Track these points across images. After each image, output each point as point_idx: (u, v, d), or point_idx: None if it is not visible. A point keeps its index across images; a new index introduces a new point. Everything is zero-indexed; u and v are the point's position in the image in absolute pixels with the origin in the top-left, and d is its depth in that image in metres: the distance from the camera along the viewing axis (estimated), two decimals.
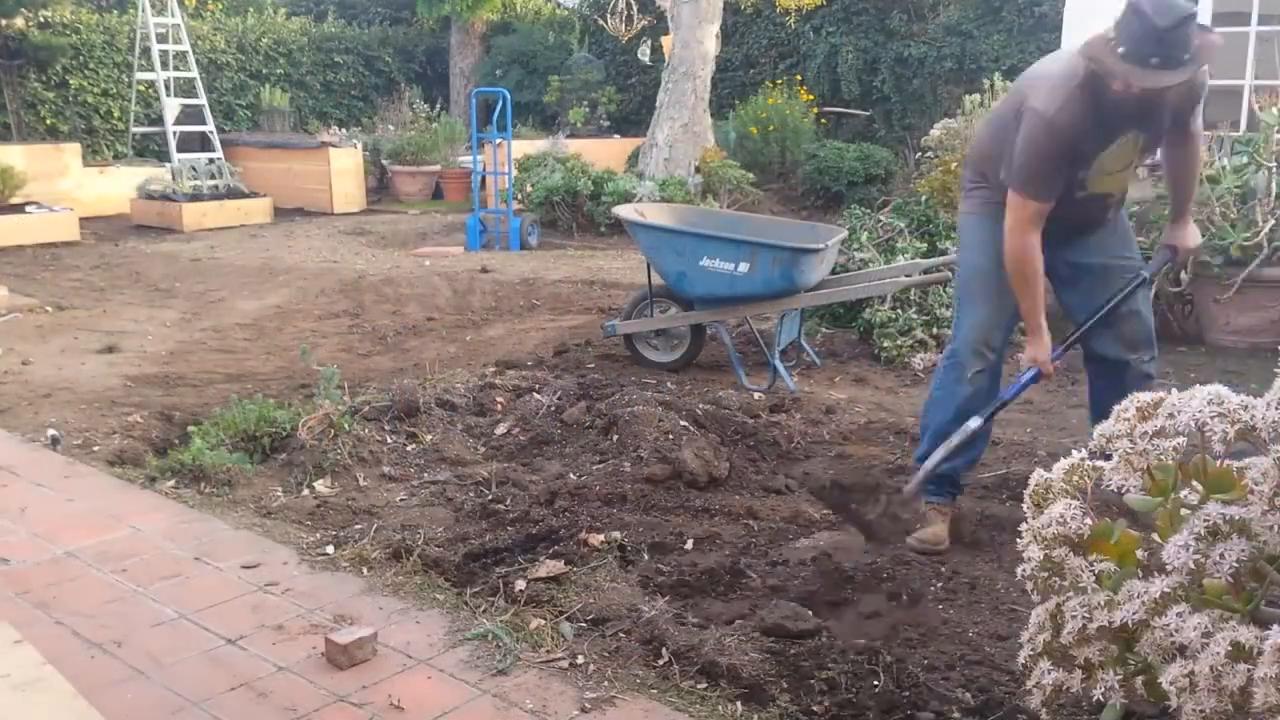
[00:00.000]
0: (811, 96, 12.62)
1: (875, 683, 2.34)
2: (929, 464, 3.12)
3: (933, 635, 2.62)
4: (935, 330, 5.56)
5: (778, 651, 2.46)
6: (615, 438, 3.86)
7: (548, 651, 2.49)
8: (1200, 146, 3.26)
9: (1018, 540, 1.84)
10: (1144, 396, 1.78)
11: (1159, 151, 3.24)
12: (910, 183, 8.42)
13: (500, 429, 4.17)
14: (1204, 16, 9.23)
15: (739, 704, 2.27)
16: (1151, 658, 1.64)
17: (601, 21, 14.91)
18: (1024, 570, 1.81)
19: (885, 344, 5.46)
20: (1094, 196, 3.10)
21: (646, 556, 3.05)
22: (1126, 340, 3.26)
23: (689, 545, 3.13)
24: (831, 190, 11.00)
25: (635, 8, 14.39)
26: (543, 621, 2.62)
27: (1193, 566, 1.58)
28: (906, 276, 5.09)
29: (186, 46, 12.14)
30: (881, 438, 4.23)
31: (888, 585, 2.85)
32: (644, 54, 14.49)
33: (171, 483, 3.66)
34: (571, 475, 3.65)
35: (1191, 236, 3.31)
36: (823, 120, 12.70)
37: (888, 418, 4.48)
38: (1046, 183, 2.97)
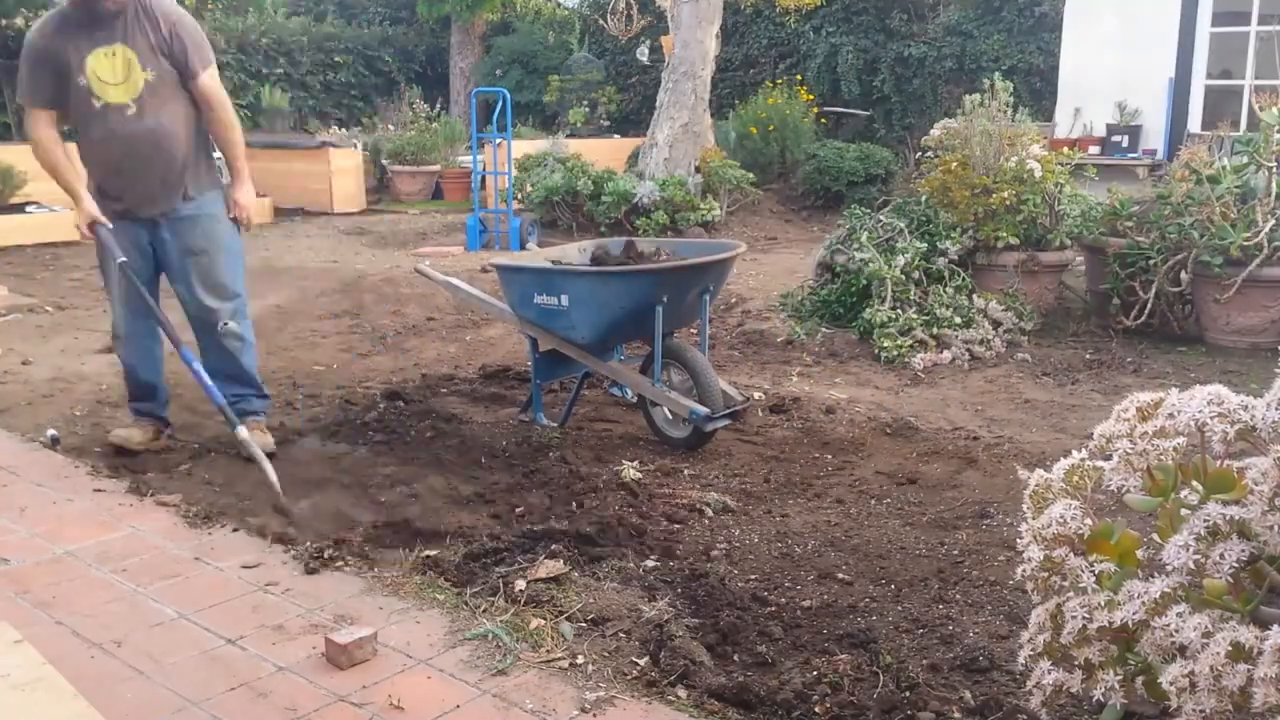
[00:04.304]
0: (811, 96, 12.62)
1: (875, 683, 2.34)
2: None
3: (933, 635, 2.62)
4: (935, 330, 5.57)
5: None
6: None
7: (548, 651, 2.49)
8: (221, 110, 3.85)
9: (1018, 540, 1.84)
10: (1144, 396, 1.78)
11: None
12: (910, 183, 8.42)
13: None
14: (1204, 16, 9.24)
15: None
16: (1151, 658, 1.64)
17: (601, 21, 14.91)
18: (1024, 570, 1.81)
19: (885, 344, 5.46)
20: (112, 108, 3.68)
21: None
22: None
23: None
24: (831, 190, 11.00)
25: (635, 8, 14.38)
26: (543, 621, 2.62)
27: (1193, 566, 1.58)
28: None
29: None
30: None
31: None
32: (644, 54, 14.50)
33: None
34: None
35: (244, 194, 3.95)
36: (823, 120, 12.70)
37: (885, 417, 4.48)
38: (35, 84, 3.71)
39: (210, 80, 3.81)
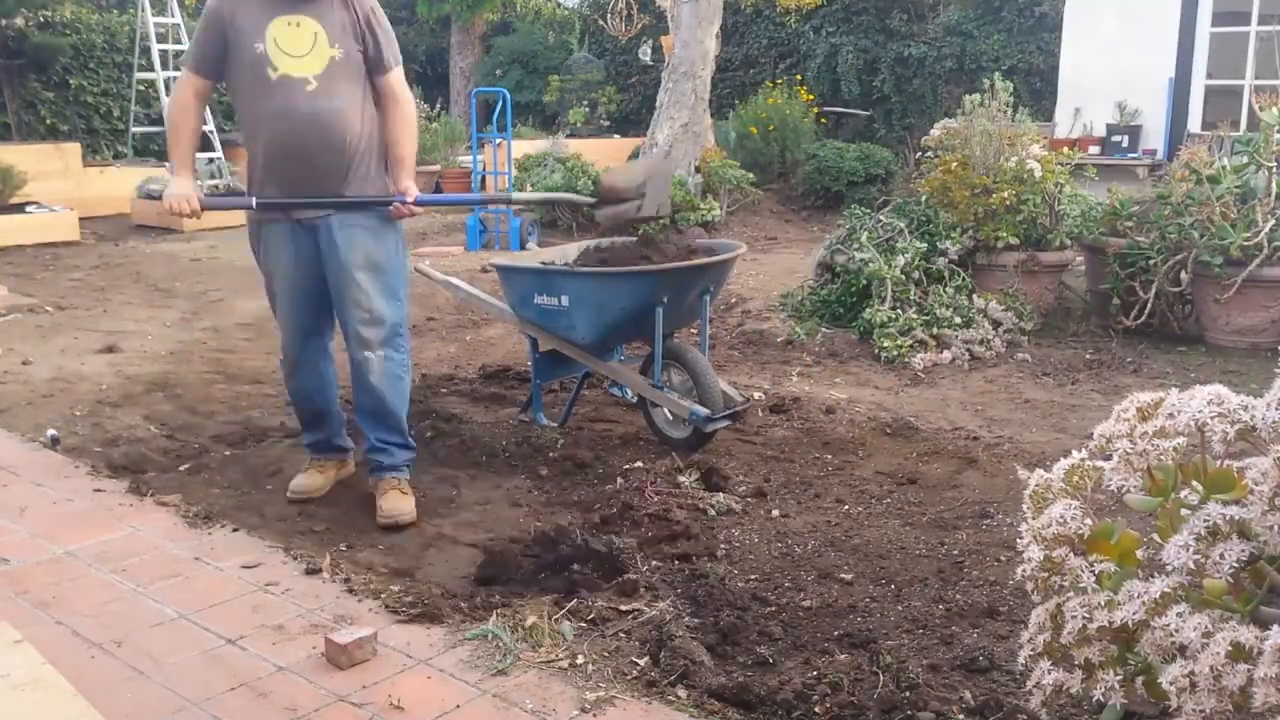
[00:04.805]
0: (811, 96, 12.62)
1: (875, 683, 2.34)
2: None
3: (933, 635, 2.62)
4: (935, 330, 5.57)
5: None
6: None
7: (547, 651, 2.49)
8: (407, 106, 3.53)
9: (1018, 540, 1.84)
10: (1144, 396, 1.78)
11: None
12: (910, 183, 8.42)
13: None
14: (1204, 16, 9.23)
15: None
16: (1151, 658, 1.63)
17: (601, 21, 14.91)
18: (1024, 570, 1.81)
19: (885, 344, 5.46)
20: (291, 81, 3.30)
21: None
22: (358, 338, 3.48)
23: None
24: (831, 190, 11.00)
25: (635, 8, 14.39)
26: (542, 621, 2.62)
27: (1193, 566, 1.58)
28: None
29: (186, 46, 12.14)
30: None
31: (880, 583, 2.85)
32: (644, 54, 14.50)
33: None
34: None
35: (413, 186, 3.50)
36: (823, 120, 12.70)
37: (885, 417, 4.48)
38: (199, 47, 3.40)
39: (399, 78, 3.51)
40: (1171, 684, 1.55)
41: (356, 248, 3.39)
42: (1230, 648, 1.50)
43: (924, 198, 6.37)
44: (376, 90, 3.46)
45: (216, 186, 11.25)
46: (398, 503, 3.40)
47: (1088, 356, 5.55)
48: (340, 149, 3.36)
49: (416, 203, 3.49)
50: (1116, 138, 9.54)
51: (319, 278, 3.45)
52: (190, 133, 3.47)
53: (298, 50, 3.32)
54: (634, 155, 11.72)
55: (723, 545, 3.18)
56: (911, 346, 5.45)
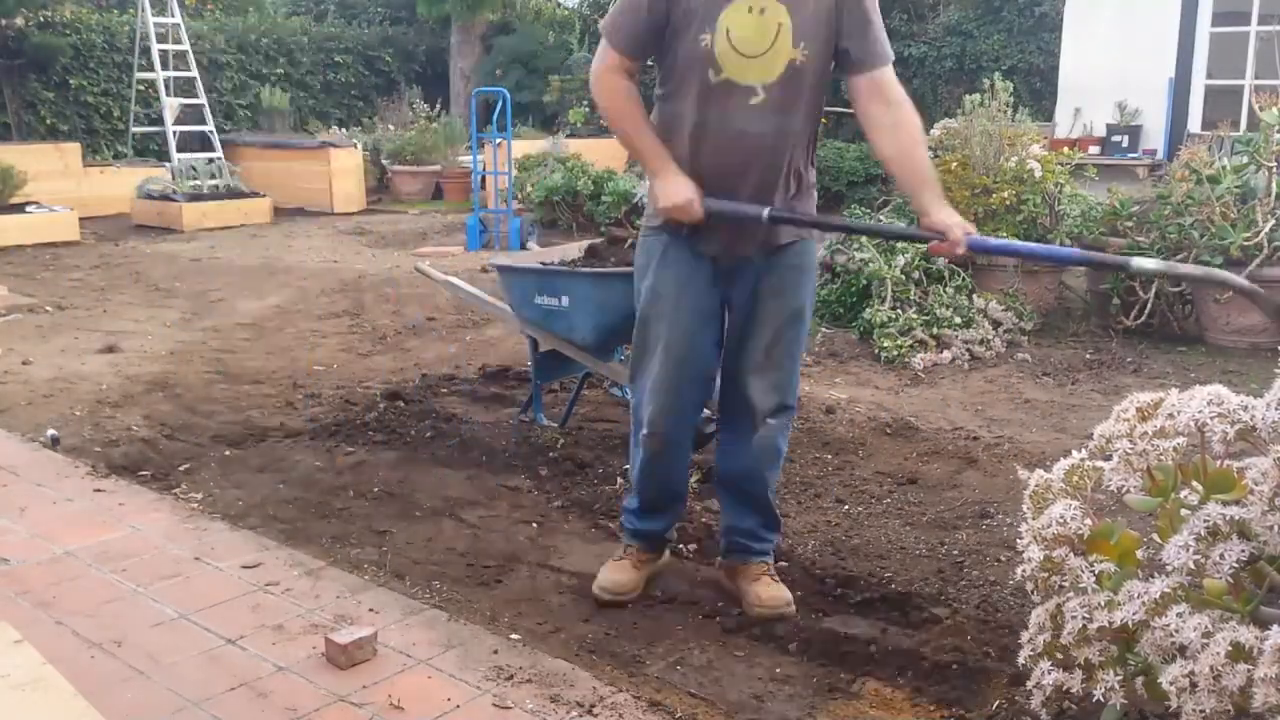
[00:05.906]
0: None
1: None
2: None
3: (932, 636, 2.62)
4: (935, 330, 5.57)
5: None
6: None
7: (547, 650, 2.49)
8: (909, 115, 2.62)
9: (1018, 540, 1.84)
10: (1144, 396, 1.78)
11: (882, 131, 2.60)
12: None
13: None
14: (1204, 16, 9.23)
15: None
16: (1151, 658, 1.64)
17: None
18: (1024, 570, 1.81)
19: (885, 344, 5.46)
20: (737, 88, 2.53)
21: None
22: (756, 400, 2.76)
23: None
24: (831, 190, 10.99)
25: None
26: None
27: (1193, 566, 1.58)
28: None
29: (186, 46, 12.14)
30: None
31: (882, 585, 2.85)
32: None
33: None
34: None
35: (948, 214, 2.56)
36: (823, 120, 12.70)
37: (885, 417, 4.48)
38: (628, 21, 2.58)
39: (892, 77, 2.64)
40: (1171, 684, 1.55)
41: (791, 293, 2.70)
42: (1230, 648, 1.50)
43: None
44: (854, 90, 2.66)
45: (216, 186, 11.25)
46: (778, 591, 2.75)
47: (1088, 356, 5.55)
48: (778, 170, 2.63)
49: (971, 247, 2.55)
50: (1116, 138, 9.54)
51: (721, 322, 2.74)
52: (646, 118, 2.66)
53: (753, 49, 2.52)
54: None
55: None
56: (911, 346, 5.45)
